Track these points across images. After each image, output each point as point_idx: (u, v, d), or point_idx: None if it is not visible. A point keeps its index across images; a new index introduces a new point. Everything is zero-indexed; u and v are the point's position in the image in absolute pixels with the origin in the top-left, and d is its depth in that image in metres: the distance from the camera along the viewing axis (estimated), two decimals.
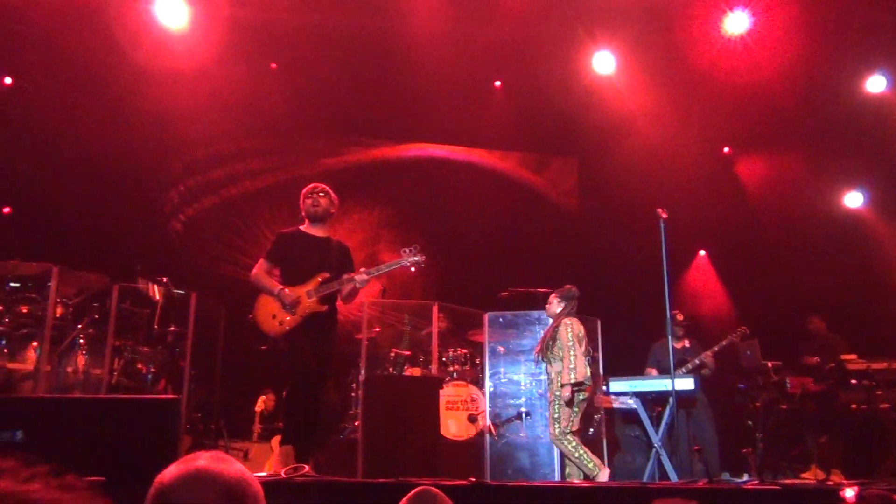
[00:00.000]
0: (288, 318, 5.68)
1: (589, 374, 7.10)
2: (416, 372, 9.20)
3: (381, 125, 12.45)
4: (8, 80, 10.62)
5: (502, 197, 12.87)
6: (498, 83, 12.06)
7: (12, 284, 8.31)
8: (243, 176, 12.50)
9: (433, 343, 9.28)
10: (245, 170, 12.38)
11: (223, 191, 12.50)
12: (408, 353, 9.47)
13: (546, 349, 7.12)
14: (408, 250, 5.84)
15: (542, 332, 8.21)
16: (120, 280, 9.07)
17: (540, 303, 8.37)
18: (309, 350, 5.69)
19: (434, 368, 9.20)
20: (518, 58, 11.17)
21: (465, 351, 9.54)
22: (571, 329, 7.07)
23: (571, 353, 6.94)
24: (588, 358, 7.18)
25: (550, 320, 7.43)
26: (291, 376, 5.72)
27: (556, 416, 6.95)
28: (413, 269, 5.85)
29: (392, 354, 9.45)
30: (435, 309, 9.41)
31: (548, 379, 7.23)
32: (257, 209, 12.13)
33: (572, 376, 6.88)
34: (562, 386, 6.95)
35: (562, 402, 6.93)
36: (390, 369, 9.27)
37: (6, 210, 11.34)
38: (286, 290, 5.76)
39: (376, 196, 12.60)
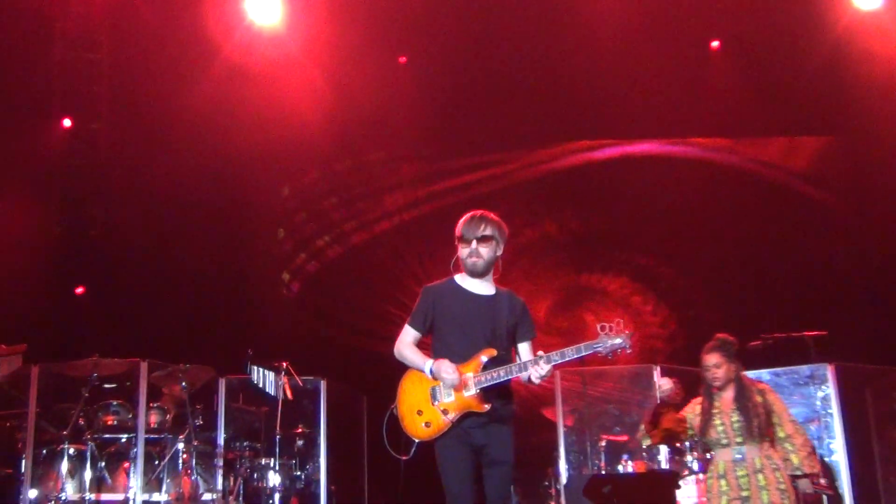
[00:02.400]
0: (440, 417, 5.55)
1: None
2: (640, 467, 9.20)
3: (548, 123, 12.79)
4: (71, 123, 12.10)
5: (734, 200, 12.88)
6: (715, 43, 12.26)
7: (94, 387, 8.81)
8: (377, 212, 12.98)
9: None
10: (377, 204, 12.95)
11: (353, 235, 12.97)
12: (624, 438, 9.57)
13: (761, 424, 6.94)
14: (608, 328, 5.50)
15: (815, 392, 8.28)
16: (227, 371, 9.47)
17: (810, 352, 8.37)
18: (467, 469, 5.57)
19: (665, 459, 9.15)
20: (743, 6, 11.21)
21: None
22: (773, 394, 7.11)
23: (800, 429, 7.01)
24: None
25: (828, 375, 7.43)
26: None
27: None
28: (610, 356, 5.55)
29: (602, 443, 9.46)
30: (657, 373, 9.46)
31: (759, 466, 6.95)
32: (401, 258, 12.42)
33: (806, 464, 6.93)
34: (800, 477, 6.92)
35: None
36: (602, 465, 9.30)
37: (80, 290, 11.92)
38: (446, 362, 5.56)
39: (559, 215, 13.00)
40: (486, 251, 5.67)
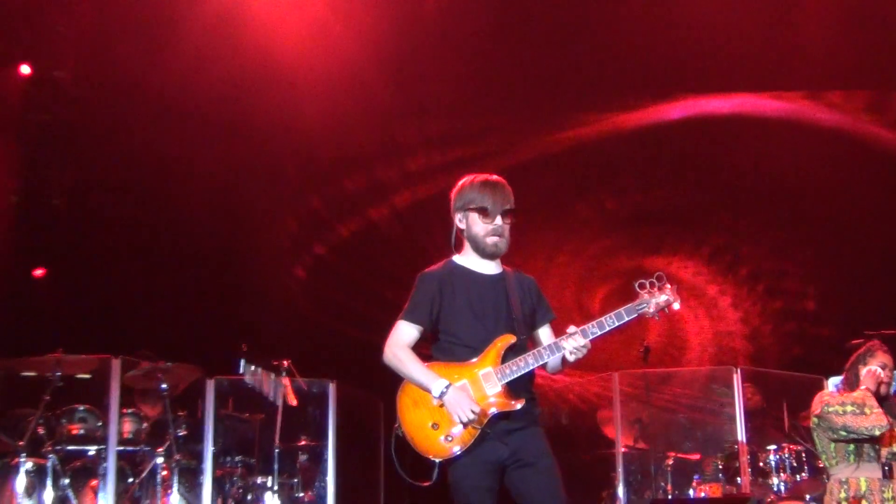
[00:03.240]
0: (461, 429, 5.39)
1: None
2: (715, 490, 9.20)
3: (605, 76, 12.50)
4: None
5: (837, 168, 12.36)
6: None
7: (56, 389, 8.69)
8: (398, 179, 12.81)
9: (740, 438, 9.36)
10: (398, 170, 12.75)
11: (370, 209, 12.83)
12: (695, 456, 9.61)
13: None
14: (647, 284, 5.49)
15: None
16: (216, 371, 9.44)
17: None
18: (492, 499, 5.40)
19: (744, 481, 9.19)
20: None
21: (796, 447, 9.38)
22: None
23: None
24: None
25: None
26: None
27: None
28: (658, 317, 5.54)
29: (668, 462, 9.44)
30: (737, 377, 9.44)
31: None
32: (430, 235, 12.03)
33: None
34: None
35: None
36: (668, 487, 9.29)
37: (39, 272, 11.76)
38: (465, 396, 5.42)
39: (617, 185, 12.78)
40: (508, 228, 5.68)
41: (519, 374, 5.44)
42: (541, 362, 5.48)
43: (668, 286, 5.52)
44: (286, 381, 9.53)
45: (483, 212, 5.52)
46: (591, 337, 5.36)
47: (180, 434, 9.16)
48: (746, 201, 12.70)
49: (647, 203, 13.04)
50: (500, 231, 5.57)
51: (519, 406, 5.38)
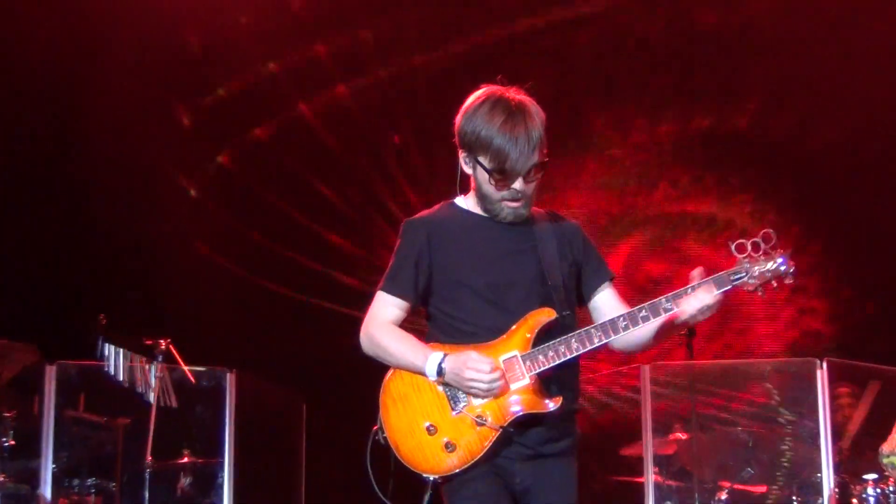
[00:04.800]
0: (475, 430, 5.13)
1: None
2: None
3: None
4: None
5: None
6: None
7: None
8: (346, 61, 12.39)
9: (824, 464, 9.46)
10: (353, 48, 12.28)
11: (295, 105, 12.36)
12: (761, 489, 9.72)
13: None
14: (748, 246, 5.15)
15: None
16: (60, 354, 9.23)
17: None
18: None
19: None
20: None
21: None
22: None
23: None
24: None
25: None
26: None
27: None
28: (762, 292, 5.24)
29: (722, 496, 9.41)
30: (821, 374, 9.52)
31: None
32: (403, 160, 12.08)
33: None
34: None
35: None
36: None
37: None
38: (472, 353, 5.15)
39: (671, 108, 12.44)
40: (533, 187, 5.32)
41: (557, 364, 5.14)
42: (597, 345, 5.14)
43: (782, 250, 5.18)
44: (163, 370, 9.17)
45: (496, 170, 5.21)
46: (688, 323, 5.14)
47: (6, 444, 8.88)
48: (844, 127, 12.19)
49: (716, 126, 12.63)
50: (522, 196, 5.27)
51: (554, 407, 5.07)
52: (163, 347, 9.09)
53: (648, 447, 9.77)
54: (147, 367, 9.19)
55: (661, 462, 10.07)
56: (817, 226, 12.39)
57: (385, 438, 5.21)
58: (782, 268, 5.12)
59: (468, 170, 5.31)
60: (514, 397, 5.10)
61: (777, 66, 12.77)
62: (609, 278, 5.50)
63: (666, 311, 5.09)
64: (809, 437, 9.84)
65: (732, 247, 5.15)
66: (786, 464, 10.10)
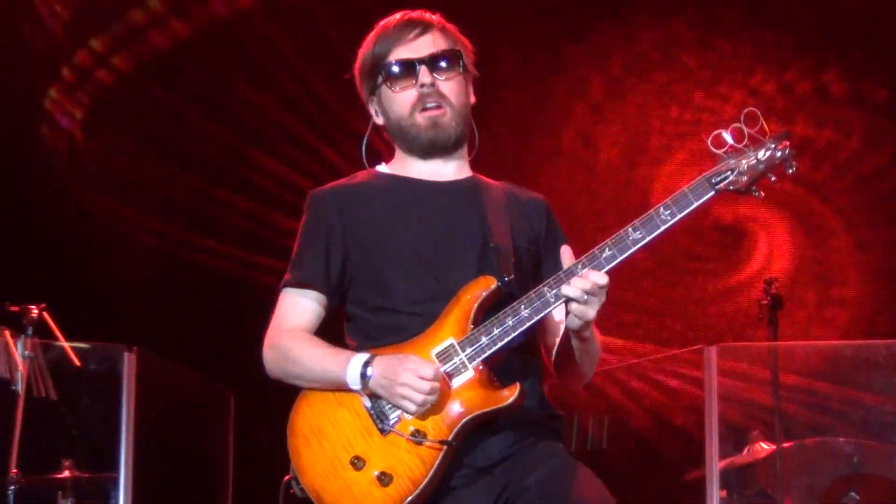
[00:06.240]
0: (413, 451, 4.76)
1: None
2: None
3: None
4: None
5: None
6: None
7: None
8: None
9: None
10: None
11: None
12: None
13: None
14: (730, 135, 4.81)
15: None
16: None
17: None
18: None
19: None
20: None
21: None
22: None
23: None
24: None
25: None
26: None
27: None
28: (759, 193, 4.89)
29: None
30: None
31: None
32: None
33: None
34: None
35: None
36: None
37: None
38: (411, 356, 4.82)
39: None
40: (452, 87, 5.11)
41: (508, 342, 4.80)
42: (529, 323, 4.78)
43: (774, 134, 4.92)
44: (35, 346, 8.34)
45: (392, 75, 5.13)
46: (612, 263, 4.71)
47: None
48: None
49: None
50: (432, 94, 5.07)
51: (512, 399, 4.73)
52: (34, 315, 8.22)
53: (714, 461, 8.82)
54: (12, 342, 8.28)
55: (732, 481, 9.19)
56: None
57: (302, 489, 4.78)
58: (777, 153, 4.81)
59: (379, 119, 5.22)
60: (455, 400, 4.76)
61: None
62: (562, 243, 5.15)
63: (635, 242, 4.68)
64: None
65: (708, 141, 4.88)
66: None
